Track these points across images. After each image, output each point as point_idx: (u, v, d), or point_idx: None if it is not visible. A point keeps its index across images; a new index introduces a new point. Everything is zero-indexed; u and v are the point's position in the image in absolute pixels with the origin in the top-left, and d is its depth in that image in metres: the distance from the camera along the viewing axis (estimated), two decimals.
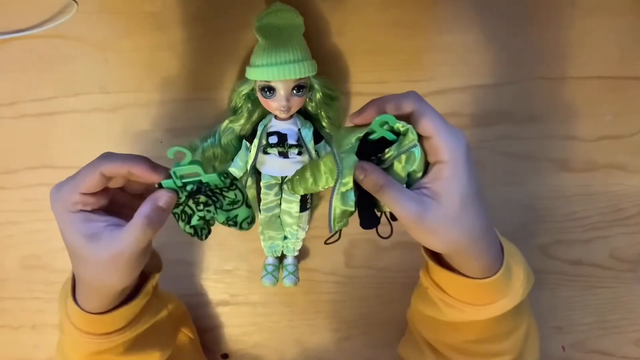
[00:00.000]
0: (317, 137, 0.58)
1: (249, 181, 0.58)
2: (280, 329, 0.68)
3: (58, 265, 0.64)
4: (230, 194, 0.44)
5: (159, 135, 0.62)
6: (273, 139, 0.56)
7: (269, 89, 0.53)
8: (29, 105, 0.61)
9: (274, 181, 0.58)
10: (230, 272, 0.66)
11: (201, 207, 0.43)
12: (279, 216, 0.61)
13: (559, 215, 0.66)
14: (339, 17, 0.59)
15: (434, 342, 0.54)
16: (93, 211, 0.42)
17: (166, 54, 0.60)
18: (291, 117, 0.56)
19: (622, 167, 0.65)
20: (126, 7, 0.59)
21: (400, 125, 0.40)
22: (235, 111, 0.57)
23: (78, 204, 0.41)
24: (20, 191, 0.63)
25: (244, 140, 0.58)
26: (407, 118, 0.41)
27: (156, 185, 0.43)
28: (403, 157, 0.40)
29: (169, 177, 0.42)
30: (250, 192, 0.59)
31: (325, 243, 0.47)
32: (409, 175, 0.41)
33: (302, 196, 0.59)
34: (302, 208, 0.60)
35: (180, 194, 0.43)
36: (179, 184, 0.42)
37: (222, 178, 0.43)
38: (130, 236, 0.40)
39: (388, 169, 0.41)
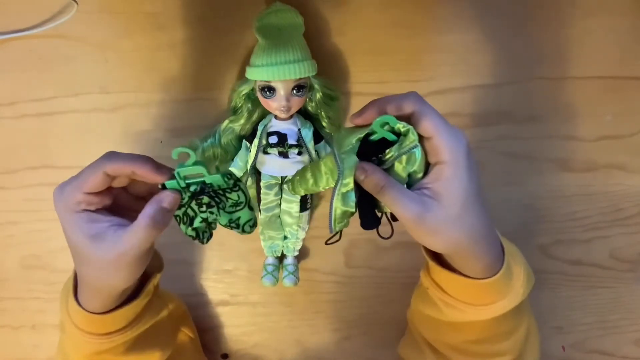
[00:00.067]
0: (317, 137, 0.58)
1: (249, 181, 0.58)
2: (280, 329, 0.68)
3: (58, 265, 0.64)
4: (233, 195, 0.44)
5: (159, 135, 0.61)
6: (273, 139, 0.56)
7: (269, 89, 0.53)
8: (29, 105, 0.61)
9: (274, 181, 0.58)
10: (230, 272, 0.66)
11: (204, 208, 0.43)
12: (279, 216, 0.61)
13: (559, 215, 0.66)
14: (339, 17, 0.59)
15: (434, 342, 0.54)
16: (96, 211, 0.42)
17: (166, 54, 0.60)
18: (291, 117, 0.56)
19: (622, 167, 0.65)
20: (126, 7, 0.59)
21: (400, 126, 0.40)
22: (235, 111, 0.57)
23: (82, 203, 0.41)
24: (20, 191, 0.63)
25: (244, 140, 0.58)
26: (408, 119, 0.41)
27: (159, 186, 0.42)
28: (404, 157, 0.40)
29: (173, 177, 0.42)
30: (250, 192, 0.59)
31: (326, 243, 0.47)
32: (409, 175, 0.41)
33: (302, 196, 0.58)
34: (302, 208, 0.60)
35: (184, 195, 0.43)
36: (183, 184, 0.42)
37: (226, 179, 0.43)
38: (134, 237, 0.40)
39: (389, 170, 0.41)
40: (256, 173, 0.58)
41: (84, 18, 0.58)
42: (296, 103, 0.54)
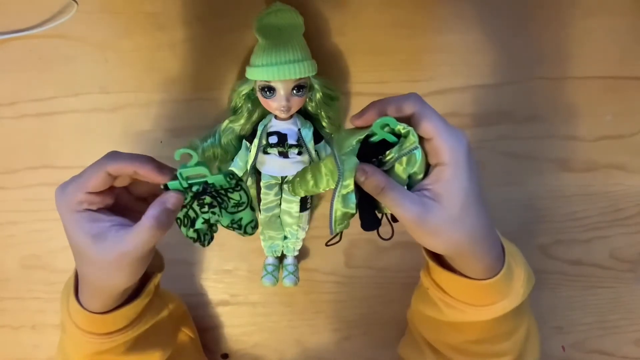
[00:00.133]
0: (317, 137, 0.58)
1: (249, 181, 0.58)
2: (280, 329, 0.68)
3: (58, 265, 0.64)
4: (235, 195, 0.44)
5: (159, 135, 0.61)
6: (273, 139, 0.56)
7: (269, 89, 0.53)
8: (29, 105, 0.61)
9: (274, 181, 0.58)
10: (230, 272, 0.66)
11: (206, 208, 0.43)
12: (279, 216, 0.61)
13: (559, 215, 0.66)
14: (339, 17, 0.59)
15: (434, 343, 0.54)
16: (98, 210, 0.42)
17: (166, 54, 0.60)
18: (291, 117, 0.56)
19: (622, 167, 0.65)
20: (126, 7, 0.59)
21: (401, 128, 0.40)
22: (235, 111, 0.57)
23: (83, 203, 0.41)
24: (20, 191, 0.63)
25: (244, 140, 0.58)
26: (408, 120, 0.41)
27: (162, 187, 0.42)
28: (404, 159, 0.40)
29: (175, 178, 0.42)
30: (251, 192, 0.59)
31: (327, 245, 0.47)
32: (410, 177, 0.41)
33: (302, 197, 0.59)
34: (302, 208, 0.60)
35: (186, 196, 0.43)
36: (185, 185, 0.42)
37: (228, 179, 0.42)
38: (137, 237, 0.40)
39: (389, 171, 0.41)
40: (256, 173, 0.59)
41: (84, 18, 0.58)
42: (296, 103, 0.54)
